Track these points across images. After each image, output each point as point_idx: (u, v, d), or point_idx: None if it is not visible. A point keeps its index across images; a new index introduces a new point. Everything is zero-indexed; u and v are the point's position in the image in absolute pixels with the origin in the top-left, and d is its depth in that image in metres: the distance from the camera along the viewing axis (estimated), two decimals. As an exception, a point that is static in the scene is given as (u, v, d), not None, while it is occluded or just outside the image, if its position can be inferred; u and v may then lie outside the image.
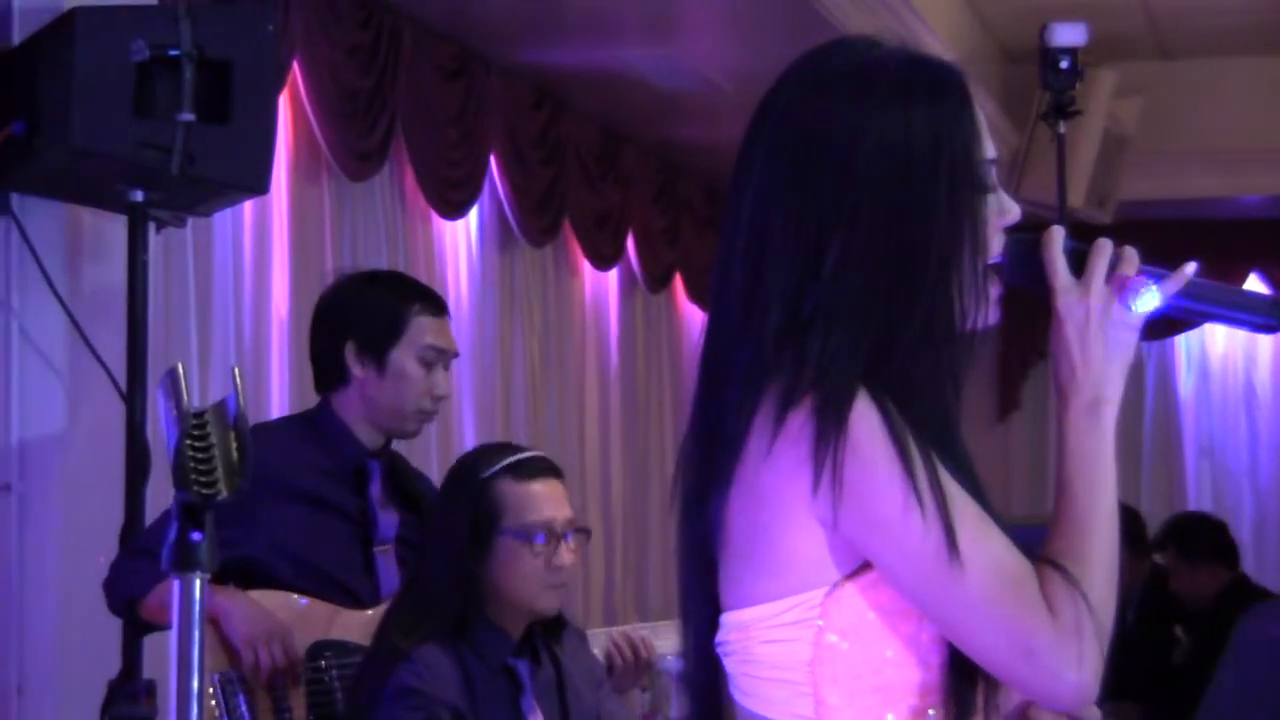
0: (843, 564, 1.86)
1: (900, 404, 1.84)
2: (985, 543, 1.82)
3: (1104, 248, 1.91)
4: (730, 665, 1.93)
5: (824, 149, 1.89)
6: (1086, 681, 1.81)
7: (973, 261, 1.89)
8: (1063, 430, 1.90)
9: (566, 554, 3.54)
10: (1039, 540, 1.88)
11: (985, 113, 1.97)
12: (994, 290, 1.93)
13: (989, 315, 1.93)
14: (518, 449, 3.65)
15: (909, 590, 1.84)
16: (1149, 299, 1.89)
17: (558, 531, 3.52)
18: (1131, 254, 1.91)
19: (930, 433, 1.85)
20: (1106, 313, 1.89)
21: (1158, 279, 1.91)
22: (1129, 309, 1.89)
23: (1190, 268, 1.92)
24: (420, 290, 3.95)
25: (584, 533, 3.67)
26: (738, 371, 1.90)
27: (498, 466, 3.54)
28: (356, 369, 3.81)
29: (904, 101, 1.90)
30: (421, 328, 3.82)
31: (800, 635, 1.87)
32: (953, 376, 1.90)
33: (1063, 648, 1.80)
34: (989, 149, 1.94)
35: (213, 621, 3.52)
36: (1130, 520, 7.32)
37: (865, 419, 1.81)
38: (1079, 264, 1.91)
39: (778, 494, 1.86)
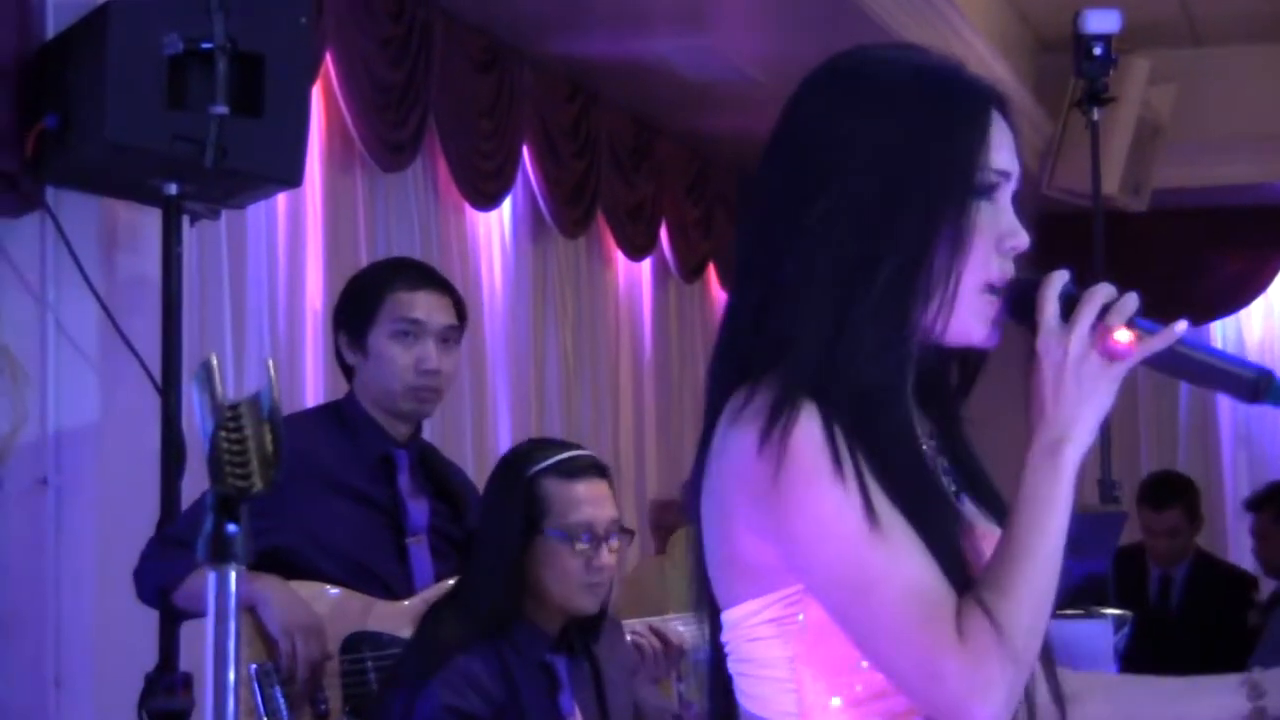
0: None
1: (852, 408, 1.83)
2: (899, 564, 1.80)
3: (1097, 294, 1.87)
4: (730, 666, 1.94)
5: (818, 148, 1.89)
6: (992, 712, 1.79)
7: (947, 267, 1.87)
8: (1021, 468, 1.87)
9: (608, 555, 3.52)
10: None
11: (1021, 122, 1.95)
12: (991, 311, 1.91)
13: (986, 335, 1.92)
14: (566, 446, 3.62)
15: (829, 607, 1.84)
16: (1128, 351, 1.86)
17: (600, 533, 3.50)
18: (1125, 304, 1.87)
19: (878, 437, 1.85)
20: (1084, 359, 1.85)
21: (1148, 330, 1.87)
22: (1108, 357, 1.86)
23: (1180, 326, 1.88)
24: (401, 266, 3.94)
25: (627, 534, 3.66)
26: (711, 374, 1.94)
27: (544, 464, 3.51)
28: (351, 359, 3.81)
29: (905, 103, 1.89)
30: (395, 303, 3.77)
31: (782, 631, 1.88)
32: (901, 377, 1.89)
33: (970, 676, 1.78)
34: (1002, 162, 1.91)
35: (249, 609, 3.53)
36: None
37: (807, 435, 1.81)
38: (1072, 311, 1.87)
39: (729, 503, 1.87)
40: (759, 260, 1.91)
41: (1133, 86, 8.16)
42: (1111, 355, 1.86)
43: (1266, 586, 7.75)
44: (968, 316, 1.89)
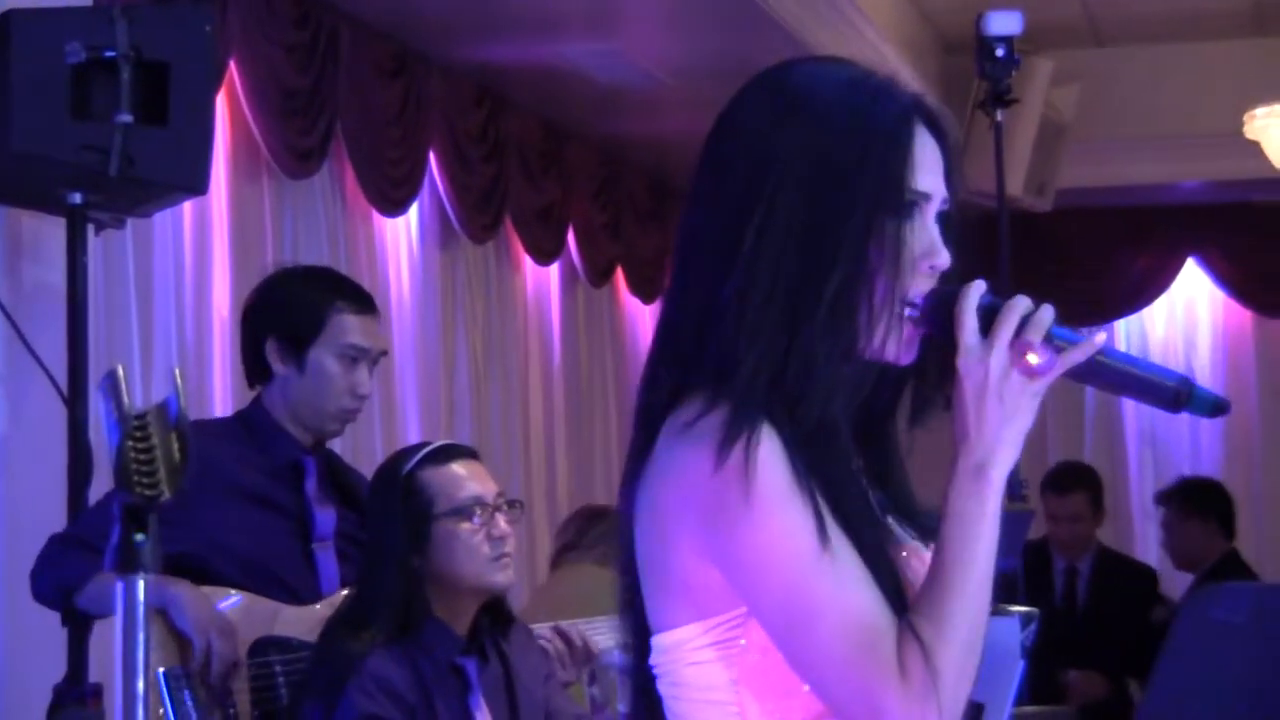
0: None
1: (800, 429, 1.84)
2: (842, 595, 1.80)
3: (1015, 308, 1.86)
4: (661, 688, 1.93)
5: (750, 163, 1.90)
6: None
7: (887, 287, 1.88)
8: (946, 489, 1.86)
9: (504, 523, 3.58)
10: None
11: (951, 143, 1.97)
12: (908, 331, 1.90)
13: (900, 352, 1.91)
14: (429, 442, 3.71)
15: (772, 632, 1.83)
16: (1048, 366, 1.85)
17: (489, 504, 3.57)
18: (1042, 318, 1.85)
19: (824, 458, 1.85)
20: (1005, 377, 1.84)
21: (1069, 340, 1.86)
22: (1028, 375, 1.85)
23: (1100, 338, 1.87)
24: (344, 287, 3.92)
25: (516, 505, 3.71)
26: (658, 383, 1.92)
27: (416, 459, 3.59)
28: (278, 366, 3.79)
29: (836, 121, 1.90)
30: (342, 325, 3.78)
31: (724, 655, 1.87)
32: (846, 396, 1.89)
33: (910, 710, 1.78)
34: (924, 183, 1.92)
35: (159, 612, 3.52)
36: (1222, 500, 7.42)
37: (766, 457, 1.81)
38: (991, 323, 1.86)
39: (673, 522, 1.87)
40: (698, 273, 1.91)
41: (1035, 87, 8.23)
42: (1031, 373, 1.85)
43: (1173, 581, 7.85)
44: (887, 334, 1.89)
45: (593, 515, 5.97)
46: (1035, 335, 1.85)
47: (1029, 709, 6.26)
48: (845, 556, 1.82)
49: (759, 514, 1.81)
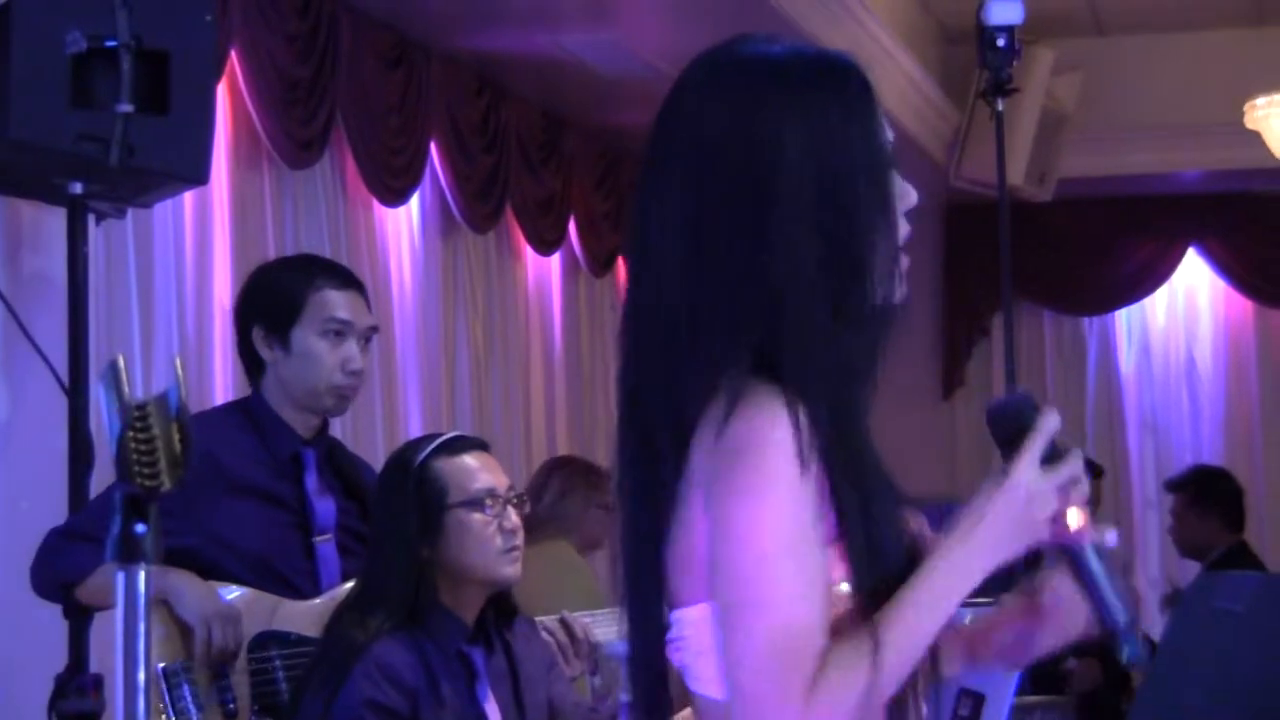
0: None
1: (829, 404, 1.86)
2: (796, 605, 1.82)
3: (1076, 460, 1.93)
4: (687, 659, 1.94)
5: (749, 151, 1.91)
6: None
7: (891, 244, 1.94)
8: (936, 557, 1.89)
9: (515, 518, 3.60)
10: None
11: (922, 93, 2.00)
12: (903, 268, 1.96)
13: (901, 292, 1.96)
14: (441, 433, 3.71)
15: (712, 608, 1.86)
16: (1079, 535, 1.93)
17: (502, 496, 3.58)
18: (1084, 484, 1.92)
19: (845, 433, 1.87)
20: (1032, 511, 1.90)
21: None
22: (1055, 524, 1.91)
23: (1111, 536, 1.95)
24: (322, 265, 3.95)
25: (525, 499, 3.73)
26: (683, 377, 1.92)
27: (429, 450, 3.59)
28: (266, 353, 3.81)
29: (815, 96, 1.93)
30: (322, 302, 3.79)
31: None
32: (870, 361, 1.93)
33: None
34: (889, 131, 1.98)
35: (163, 602, 3.52)
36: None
37: (769, 439, 1.83)
38: (1051, 458, 1.92)
39: (707, 499, 1.88)
40: (707, 262, 1.91)
41: (1037, 77, 8.23)
42: (1061, 528, 1.92)
43: (1181, 568, 7.87)
44: (893, 283, 1.95)
45: (553, 469, 6.02)
46: (1078, 499, 1.92)
47: (1030, 699, 6.27)
48: (814, 565, 1.84)
49: (765, 496, 1.82)
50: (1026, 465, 1.91)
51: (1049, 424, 1.93)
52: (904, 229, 1.97)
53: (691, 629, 1.92)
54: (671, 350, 1.94)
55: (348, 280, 3.88)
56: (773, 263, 1.88)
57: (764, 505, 1.83)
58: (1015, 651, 2.14)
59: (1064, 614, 2.08)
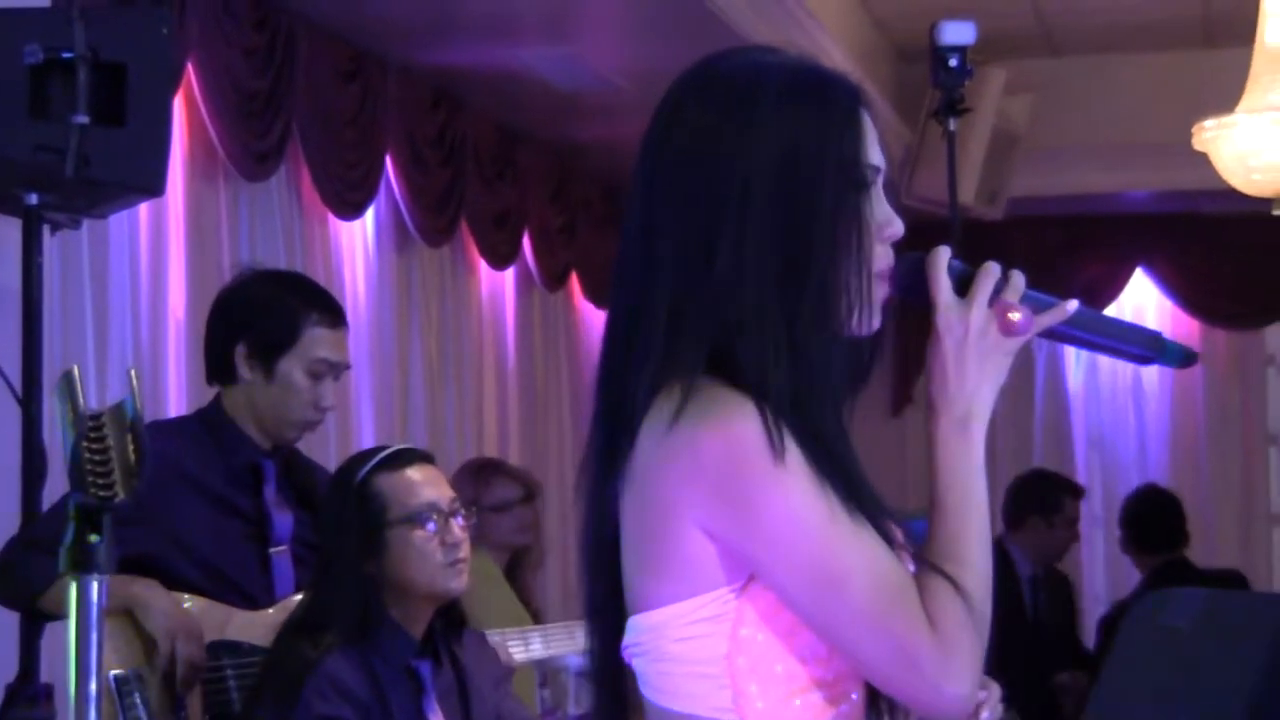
0: (743, 565, 1.89)
1: (791, 407, 1.88)
2: (866, 554, 1.86)
3: (991, 271, 1.96)
4: (641, 665, 1.95)
5: (716, 158, 1.92)
6: (964, 694, 1.86)
7: (858, 266, 1.92)
8: (932, 445, 1.94)
9: (458, 530, 3.60)
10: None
11: (879, 115, 2.02)
12: (880, 295, 1.96)
13: (873, 321, 1.96)
14: (385, 447, 3.71)
15: (792, 602, 1.87)
16: (1027, 324, 1.94)
17: (444, 510, 3.59)
18: (1018, 281, 1.95)
19: (816, 435, 1.88)
20: (984, 334, 1.93)
21: (1044, 302, 1.96)
22: (1006, 334, 1.94)
23: (1071, 305, 1.97)
24: (321, 299, 3.91)
25: (471, 511, 3.74)
26: (635, 376, 1.93)
27: (370, 465, 3.60)
28: (245, 372, 3.80)
29: (791, 108, 1.93)
30: (315, 339, 3.80)
31: (716, 630, 1.89)
32: (839, 376, 1.94)
33: (944, 661, 1.85)
34: (875, 156, 1.98)
35: (128, 612, 3.53)
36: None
37: (753, 432, 1.85)
38: (965, 286, 1.95)
39: (666, 501, 1.89)
40: (671, 271, 1.92)
41: (988, 97, 8.26)
42: (1009, 331, 1.93)
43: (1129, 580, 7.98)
44: (863, 307, 1.94)
45: (474, 471, 5.93)
46: (1013, 296, 1.94)
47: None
48: (860, 519, 1.87)
49: (784, 484, 1.84)
50: (946, 308, 1.94)
51: (941, 259, 1.95)
52: (883, 257, 1.96)
53: (649, 635, 1.93)
54: (631, 351, 1.95)
55: (338, 319, 3.87)
56: (723, 272, 1.90)
57: (788, 495, 1.84)
58: None
59: None
